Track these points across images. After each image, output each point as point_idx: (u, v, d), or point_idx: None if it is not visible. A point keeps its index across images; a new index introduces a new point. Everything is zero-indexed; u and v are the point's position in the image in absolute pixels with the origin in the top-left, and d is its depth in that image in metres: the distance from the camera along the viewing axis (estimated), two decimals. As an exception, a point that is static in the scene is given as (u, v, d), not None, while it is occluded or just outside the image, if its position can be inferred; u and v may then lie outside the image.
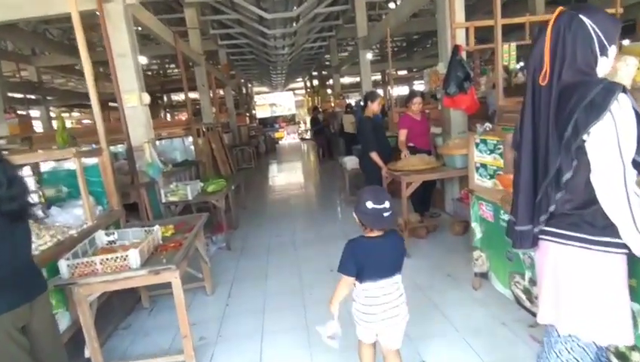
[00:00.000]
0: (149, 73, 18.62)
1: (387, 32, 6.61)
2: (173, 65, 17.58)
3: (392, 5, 10.19)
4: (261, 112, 30.33)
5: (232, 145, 12.12)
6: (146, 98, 4.31)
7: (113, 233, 2.81)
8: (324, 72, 18.43)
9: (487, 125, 3.38)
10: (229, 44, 11.75)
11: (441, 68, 4.66)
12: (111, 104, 12.76)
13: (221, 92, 14.63)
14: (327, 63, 19.46)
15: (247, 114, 20.04)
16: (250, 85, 24.63)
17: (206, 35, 10.97)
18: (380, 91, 10.97)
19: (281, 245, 4.63)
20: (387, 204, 1.74)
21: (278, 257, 4.23)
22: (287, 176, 10.40)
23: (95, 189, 3.35)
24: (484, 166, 3.41)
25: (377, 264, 1.77)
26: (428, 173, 3.71)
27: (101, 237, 2.78)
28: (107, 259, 2.27)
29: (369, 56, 8.82)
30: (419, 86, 22.36)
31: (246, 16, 8.34)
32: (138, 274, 2.24)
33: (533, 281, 2.27)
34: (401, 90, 21.62)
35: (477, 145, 3.45)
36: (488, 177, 3.37)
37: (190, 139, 6.56)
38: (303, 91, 27.58)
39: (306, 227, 5.25)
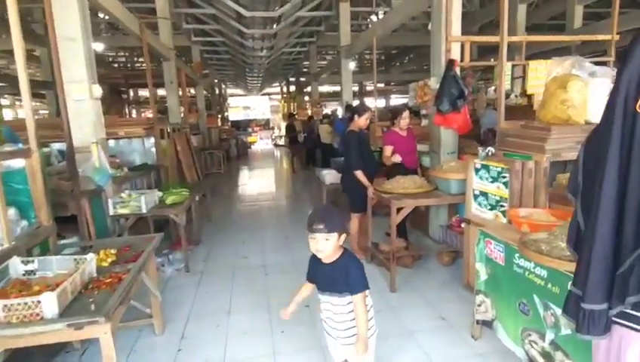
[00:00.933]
0: (115, 65, 17.52)
1: (373, 42, 6.26)
2: (142, 60, 16.60)
3: (375, 17, 9.95)
4: (234, 115, 29.51)
5: (201, 148, 11.38)
6: (97, 91, 3.67)
7: (33, 261, 2.19)
8: (302, 79, 18.04)
9: (490, 149, 3.03)
10: (204, 40, 11.11)
11: (433, 83, 4.33)
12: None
13: (192, 91, 13.88)
14: (306, 70, 19.12)
15: (220, 116, 19.25)
16: (224, 86, 23.82)
17: (179, 29, 10.29)
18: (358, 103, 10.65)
19: (249, 269, 4.07)
20: (320, 226, 1.75)
21: (245, 285, 3.68)
22: (258, 185, 9.80)
23: (21, 199, 2.69)
24: (484, 194, 3.05)
25: (325, 278, 1.83)
26: (421, 197, 3.30)
27: (16, 266, 2.16)
28: (12, 305, 1.68)
29: (352, 65, 8.47)
30: (396, 100, 22.45)
31: (223, 11, 7.79)
32: (53, 329, 1.65)
33: (556, 345, 1.87)
34: (379, 103, 21.58)
35: (477, 170, 3.09)
36: (489, 207, 3.00)
37: (152, 140, 5.88)
38: (279, 96, 27.05)
39: (277, 247, 4.72)
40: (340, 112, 10.30)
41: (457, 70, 4.11)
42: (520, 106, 4.63)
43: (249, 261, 4.31)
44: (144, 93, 19.77)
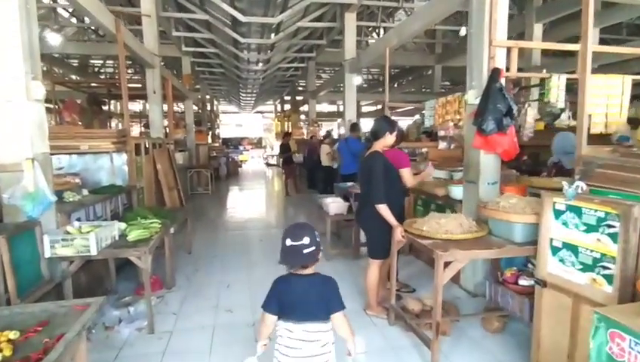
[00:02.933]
0: (103, 75, 16.63)
1: (386, 53, 5.50)
2: (132, 70, 15.75)
3: (376, 34, 9.33)
4: (226, 132, 28.67)
5: (188, 166, 10.43)
6: (38, 90, 2.74)
7: None
8: (298, 97, 17.36)
9: (581, 185, 2.15)
10: (195, 51, 10.32)
11: (471, 97, 3.51)
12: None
13: (181, 106, 13.00)
14: (302, 88, 18.49)
15: (210, 132, 18.37)
16: (216, 102, 23.05)
17: (169, 38, 9.50)
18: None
19: (234, 329, 3.08)
20: (306, 240, 1.68)
21: (228, 354, 2.69)
22: (248, 209, 8.81)
23: None
24: (571, 248, 2.16)
25: (300, 304, 1.69)
26: (474, 246, 2.39)
27: None
28: None
29: (357, 80, 7.71)
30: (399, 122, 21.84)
31: (217, 17, 7.00)
32: None
33: None
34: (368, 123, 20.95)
35: (558, 213, 2.21)
36: (580, 267, 2.11)
37: (124, 156, 4.92)
38: (273, 115, 26.36)
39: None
40: (338, 132, 9.48)
41: (503, 82, 3.31)
42: (570, 128, 3.83)
43: (234, 317, 3.31)
44: (133, 106, 18.85)
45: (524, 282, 2.74)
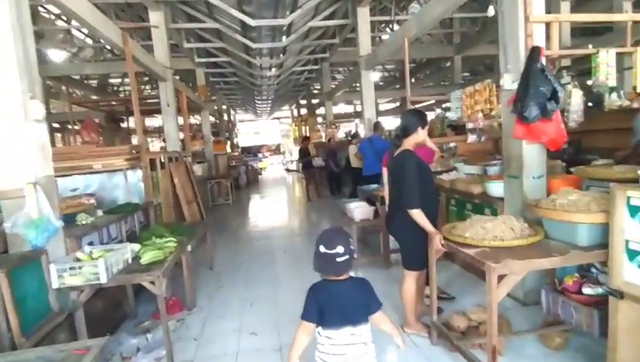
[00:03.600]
0: (122, 93, 16.93)
1: (405, 44, 5.15)
2: (149, 87, 15.96)
3: (391, 28, 8.96)
4: (244, 140, 28.81)
5: (207, 177, 10.34)
6: (38, 110, 2.57)
7: None
8: (313, 101, 17.14)
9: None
10: (208, 62, 10.25)
11: (508, 82, 3.13)
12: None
13: (198, 118, 12.99)
14: (317, 91, 18.26)
15: (229, 142, 18.40)
16: (233, 112, 23.16)
17: (181, 51, 9.45)
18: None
19: (258, 357, 2.81)
20: (340, 249, 1.67)
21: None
22: (271, 218, 8.58)
23: None
24: (659, 253, 1.76)
25: (340, 310, 1.69)
26: (532, 254, 2.02)
27: None
28: None
29: (374, 76, 7.36)
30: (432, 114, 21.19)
31: (226, 25, 6.84)
32: None
33: None
34: (393, 122, 20.50)
35: (634, 209, 1.82)
36: (673, 277, 1.71)
37: (139, 173, 4.78)
38: (290, 120, 26.26)
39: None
40: (361, 131, 9.14)
41: (543, 61, 2.92)
42: (622, 110, 3.38)
43: (259, 341, 3.03)
44: (151, 122, 19.12)
45: (589, 291, 2.34)
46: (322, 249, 1.69)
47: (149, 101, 13.30)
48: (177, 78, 13.95)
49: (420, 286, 2.94)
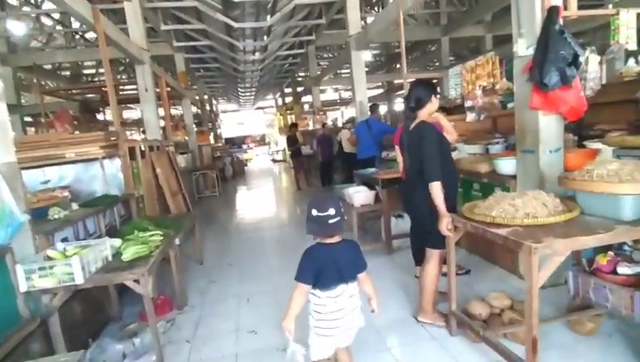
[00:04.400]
0: (96, 81, 16.11)
1: (400, 18, 4.84)
2: (125, 77, 15.22)
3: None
4: (228, 131, 28.15)
5: (192, 168, 9.90)
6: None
7: None
8: (299, 88, 16.70)
9: None
10: (188, 46, 9.72)
11: (522, 48, 2.87)
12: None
13: (180, 109, 12.44)
14: (301, 78, 17.83)
15: (212, 132, 17.86)
16: (215, 101, 22.48)
17: (159, 36, 8.91)
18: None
19: (260, 358, 2.53)
20: (332, 211, 1.75)
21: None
22: (260, 209, 8.24)
23: None
24: None
25: (335, 270, 1.78)
26: (574, 232, 1.78)
27: None
28: None
29: (366, 56, 7.05)
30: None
31: (206, 2, 6.38)
32: None
33: None
34: (382, 108, 20.27)
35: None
36: None
37: (117, 162, 4.38)
38: (274, 110, 25.71)
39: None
40: (343, 120, 8.83)
41: (561, 22, 2.68)
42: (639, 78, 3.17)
43: (259, 339, 2.75)
44: (129, 113, 18.34)
45: (625, 270, 2.14)
46: (315, 212, 1.76)
47: (126, 89, 12.68)
48: (156, 64, 13.39)
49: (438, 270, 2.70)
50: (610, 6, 2.84)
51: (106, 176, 4.27)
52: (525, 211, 1.97)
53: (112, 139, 4.30)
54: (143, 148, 5.30)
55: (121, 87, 16.42)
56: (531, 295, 1.69)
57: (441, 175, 2.37)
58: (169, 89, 9.02)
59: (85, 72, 15.99)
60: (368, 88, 21.97)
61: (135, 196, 4.67)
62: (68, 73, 14.94)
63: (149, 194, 5.24)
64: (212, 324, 3.04)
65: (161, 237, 3.01)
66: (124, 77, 15.28)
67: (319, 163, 9.46)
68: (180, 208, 6.07)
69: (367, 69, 18.37)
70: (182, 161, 8.95)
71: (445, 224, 2.32)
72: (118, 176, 4.45)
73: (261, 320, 3.00)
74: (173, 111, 14.21)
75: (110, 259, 2.67)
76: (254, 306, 3.28)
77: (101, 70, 15.61)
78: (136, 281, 2.35)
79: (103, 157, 4.15)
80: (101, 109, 10.09)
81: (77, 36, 12.05)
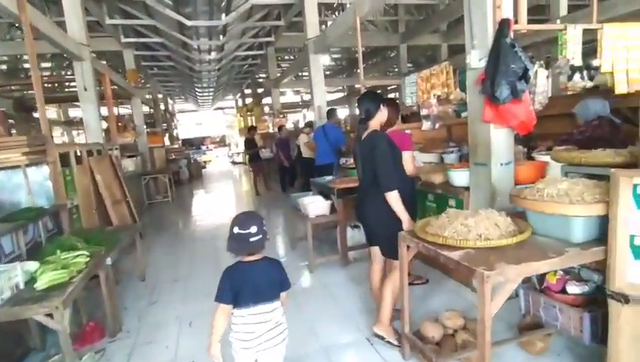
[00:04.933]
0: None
1: (357, 22, 4.75)
2: (71, 72, 14.11)
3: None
4: (185, 132, 27.12)
5: (141, 172, 9.30)
6: None
7: None
8: (259, 90, 16.32)
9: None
10: (138, 43, 9.13)
11: (474, 59, 2.83)
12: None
13: (129, 109, 11.71)
14: (262, 80, 17.48)
15: (167, 133, 17.05)
16: (171, 101, 21.53)
17: (106, 30, 8.28)
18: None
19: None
20: (253, 229, 1.75)
21: None
22: (217, 216, 7.85)
23: None
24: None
25: (254, 288, 1.76)
26: (529, 256, 1.69)
27: None
28: None
29: (324, 60, 6.92)
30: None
31: (154, -3, 5.97)
32: None
33: None
34: (343, 112, 20.33)
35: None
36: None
37: (45, 169, 3.92)
38: (234, 111, 25.07)
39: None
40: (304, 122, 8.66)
41: (512, 35, 2.66)
42: (587, 91, 3.24)
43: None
44: (77, 112, 17.08)
45: (574, 289, 2.11)
46: (236, 230, 1.76)
47: (72, 86, 11.71)
48: (104, 62, 12.52)
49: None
50: (558, 21, 2.87)
51: (30, 185, 3.80)
52: (477, 232, 1.88)
53: (40, 144, 3.84)
54: (79, 153, 4.83)
55: (67, 84, 15.34)
56: (484, 325, 1.59)
57: (397, 183, 2.35)
58: (115, 87, 8.43)
59: (26, 65, 14.68)
60: (329, 92, 21.97)
61: (68, 207, 4.23)
62: (4, 67, 13.64)
63: (85, 204, 4.78)
64: (147, 354, 2.74)
65: (87, 259, 2.66)
66: (69, 72, 14.19)
67: (279, 168, 9.20)
68: (123, 217, 5.62)
69: (328, 73, 18.49)
70: (130, 164, 8.38)
71: (406, 224, 2.37)
72: (45, 185, 3.99)
73: (202, 348, 2.70)
74: (124, 111, 13.40)
75: (22, 286, 2.31)
76: (196, 331, 3.00)
77: (45, 64, 14.43)
78: (49, 316, 2.02)
79: (27, 165, 3.68)
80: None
81: (13, 27, 11.00)
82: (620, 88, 2.94)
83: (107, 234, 3.65)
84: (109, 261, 3.04)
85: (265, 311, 1.76)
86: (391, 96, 17.33)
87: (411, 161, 2.80)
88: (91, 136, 5.91)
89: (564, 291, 2.15)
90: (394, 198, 2.36)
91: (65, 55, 5.79)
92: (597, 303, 2.04)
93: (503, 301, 1.64)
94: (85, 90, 5.62)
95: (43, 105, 3.95)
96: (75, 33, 5.61)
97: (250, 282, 1.76)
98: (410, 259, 2.27)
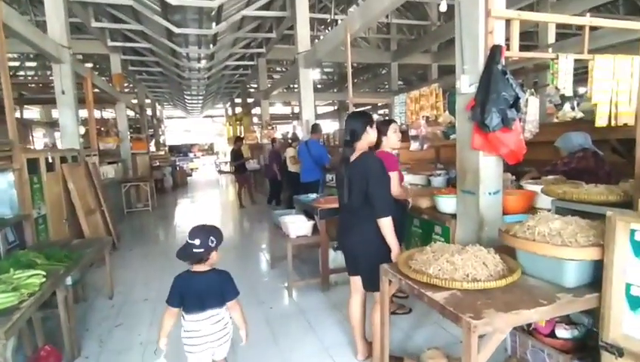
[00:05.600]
0: (19, 76, 14.42)
1: (347, 39, 4.68)
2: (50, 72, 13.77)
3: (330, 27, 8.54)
4: (173, 139, 26.75)
5: (121, 180, 9.00)
6: None
7: None
8: (249, 100, 16.20)
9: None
10: (125, 47, 8.94)
11: (464, 85, 2.75)
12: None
13: (111, 113, 11.41)
14: (253, 90, 17.38)
15: (153, 139, 16.74)
16: (159, 107, 21.24)
17: (92, 33, 8.08)
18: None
19: None
20: (197, 241, 1.93)
21: None
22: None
23: None
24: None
25: (196, 296, 1.94)
26: (519, 303, 1.56)
27: None
28: None
29: (314, 75, 6.83)
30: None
31: (142, 2, 5.83)
32: None
33: None
34: (331, 127, 20.34)
35: (637, 245, 1.46)
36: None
37: (10, 176, 3.68)
38: (224, 119, 24.85)
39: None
40: (299, 133, 8.52)
41: (504, 62, 2.59)
42: (576, 122, 3.19)
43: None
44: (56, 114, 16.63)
45: (564, 333, 1.99)
46: (187, 238, 1.95)
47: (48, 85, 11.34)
48: (90, 65, 12.24)
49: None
50: (550, 50, 2.82)
51: (-7, 193, 3.56)
52: (465, 271, 1.74)
53: (5, 150, 3.60)
54: (51, 160, 4.59)
55: (51, 85, 14.96)
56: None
57: (392, 209, 2.25)
58: (98, 91, 8.19)
59: (10, 64, 14.27)
60: (320, 105, 21.99)
61: (34, 217, 3.98)
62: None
63: (55, 214, 4.53)
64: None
65: (43, 280, 2.44)
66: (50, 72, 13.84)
67: (269, 180, 8.96)
68: (96, 228, 5.36)
69: (319, 87, 18.52)
70: (110, 171, 8.10)
71: (395, 255, 2.27)
72: (10, 193, 3.75)
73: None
74: (108, 115, 13.10)
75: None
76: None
77: (28, 63, 14.04)
78: (-14, 348, 1.80)
79: (-10, 172, 3.45)
80: (17, 108, 8.90)
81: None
82: (601, 122, 2.90)
83: (73, 249, 3.41)
84: (69, 280, 2.81)
85: (207, 317, 1.95)
86: (380, 112, 17.38)
87: (397, 182, 2.80)
88: (67, 141, 5.66)
89: (553, 334, 2.03)
90: (387, 225, 2.25)
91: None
92: (587, 349, 1.93)
93: (490, 353, 1.50)
94: (63, 93, 5.39)
95: (12, 108, 3.72)
96: (56, 34, 5.41)
97: (193, 290, 1.94)
98: (391, 294, 2.12)
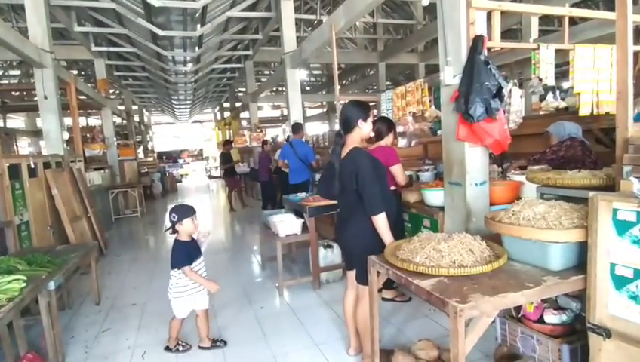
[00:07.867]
0: (3, 84, 14.16)
1: (332, 36, 4.68)
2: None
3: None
4: (162, 145, 26.51)
5: (109, 186, 8.86)
6: None
7: None
8: (237, 103, 16.14)
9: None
10: (110, 52, 8.84)
11: (448, 76, 2.76)
12: None
13: (98, 120, 11.26)
14: (241, 94, 17.33)
15: (141, 145, 16.56)
16: (147, 113, 21.04)
17: (75, 37, 7.97)
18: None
19: None
20: (173, 217, 2.74)
21: None
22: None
23: None
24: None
25: (195, 252, 2.82)
26: (505, 287, 1.55)
27: None
28: None
29: (301, 75, 6.82)
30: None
31: (124, 5, 5.76)
32: None
33: None
34: (321, 128, 20.39)
35: (623, 225, 1.46)
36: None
37: (-10, 183, 3.59)
38: (213, 124, 24.71)
39: None
40: (284, 137, 8.48)
41: (486, 52, 2.60)
42: (558, 111, 3.22)
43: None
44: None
45: (552, 319, 1.99)
46: None
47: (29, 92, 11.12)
48: (75, 71, 12.08)
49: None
50: (531, 40, 2.84)
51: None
52: (451, 258, 1.73)
53: (-16, 155, 3.51)
54: (33, 165, 4.49)
55: (34, 92, 14.70)
56: (456, 365, 1.43)
57: (384, 205, 2.19)
58: (84, 97, 8.08)
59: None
60: (309, 107, 21.95)
61: (16, 224, 3.88)
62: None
63: (38, 221, 4.43)
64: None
65: (23, 284, 2.37)
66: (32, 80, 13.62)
67: (261, 184, 8.85)
68: (83, 234, 5.26)
69: (308, 88, 18.52)
70: (97, 178, 7.97)
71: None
72: (-11, 200, 3.65)
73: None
74: (94, 122, 12.94)
75: (-62, 318, 2.00)
76: (150, 363, 2.72)
77: (12, 72, 13.79)
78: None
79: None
80: None
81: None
82: (584, 110, 2.93)
83: (56, 254, 3.33)
84: (52, 285, 2.74)
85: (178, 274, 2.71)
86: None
87: (401, 172, 3.19)
88: (51, 147, 5.55)
89: (541, 320, 2.03)
90: (381, 221, 2.18)
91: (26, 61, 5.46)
92: (576, 333, 1.93)
93: (477, 337, 1.49)
94: (46, 98, 5.30)
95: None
96: (37, 38, 5.32)
97: (193, 248, 2.83)
98: (380, 285, 2.10)
